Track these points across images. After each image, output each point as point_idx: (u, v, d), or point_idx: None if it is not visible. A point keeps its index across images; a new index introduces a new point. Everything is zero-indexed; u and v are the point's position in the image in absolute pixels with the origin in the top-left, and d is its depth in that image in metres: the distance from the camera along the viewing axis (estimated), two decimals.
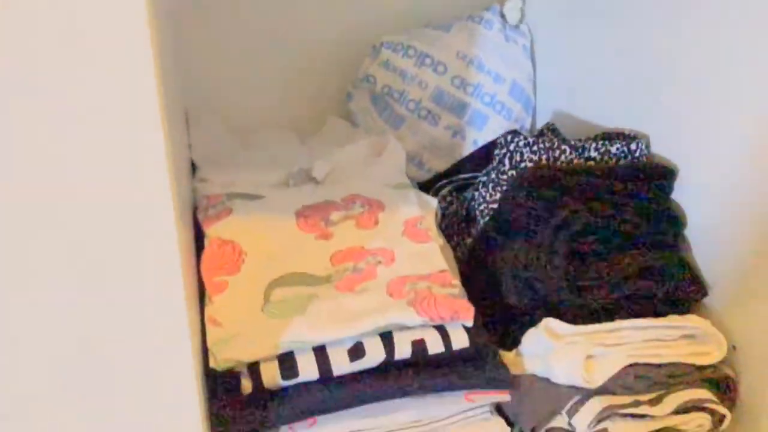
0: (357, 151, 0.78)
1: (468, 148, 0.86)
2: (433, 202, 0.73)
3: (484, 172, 0.75)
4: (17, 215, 0.37)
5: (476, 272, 0.67)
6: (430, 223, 0.69)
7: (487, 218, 0.69)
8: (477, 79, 0.86)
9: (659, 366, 0.58)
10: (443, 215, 0.76)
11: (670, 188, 0.65)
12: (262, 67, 0.92)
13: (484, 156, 0.81)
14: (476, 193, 0.74)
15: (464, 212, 0.76)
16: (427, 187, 0.82)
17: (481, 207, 0.71)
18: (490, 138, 0.85)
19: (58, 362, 0.41)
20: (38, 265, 0.38)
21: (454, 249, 0.72)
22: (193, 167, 0.77)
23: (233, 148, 0.85)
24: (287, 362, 0.52)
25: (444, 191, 0.80)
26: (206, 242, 0.63)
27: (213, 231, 0.64)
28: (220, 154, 0.80)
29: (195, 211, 0.69)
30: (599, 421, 0.56)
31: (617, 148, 0.68)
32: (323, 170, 0.74)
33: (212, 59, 0.90)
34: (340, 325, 0.53)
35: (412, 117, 0.86)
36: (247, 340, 0.53)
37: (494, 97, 0.86)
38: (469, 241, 0.72)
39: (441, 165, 0.86)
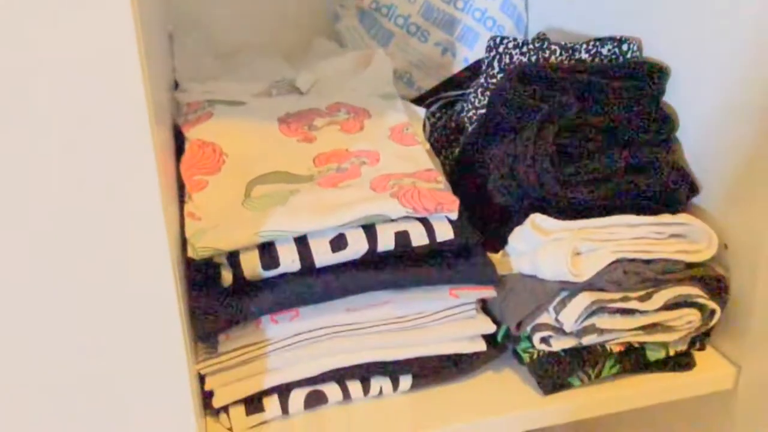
0: (342, 63, 0.76)
1: (458, 66, 0.85)
2: (420, 111, 0.71)
3: (473, 83, 0.74)
4: None
5: (464, 178, 0.65)
6: (418, 129, 0.67)
7: (475, 123, 0.68)
8: None
9: (649, 262, 0.57)
10: (432, 131, 0.74)
11: (663, 87, 0.63)
12: None
13: (474, 74, 0.79)
14: (465, 104, 0.73)
15: (453, 124, 0.74)
16: (416, 104, 0.80)
17: (470, 114, 0.70)
18: (480, 56, 0.83)
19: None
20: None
21: (442, 164, 0.70)
22: (177, 87, 0.75)
23: (217, 70, 0.83)
24: (268, 252, 0.51)
25: (433, 108, 0.78)
26: (186, 145, 0.62)
27: (193, 134, 0.62)
28: (204, 75, 0.79)
29: (176, 121, 0.67)
30: (587, 317, 0.56)
31: (608, 50, 0.66)
32: (308, 81, 0.72)
33: None
34: (322, 215, 0.52)
35: (401, 33, 0.83)
36: (226, 230, 0.51)
37: (485, 12, 0.84)
38: (457, 151, 0.71)
39: (431, 83, 0.84)
